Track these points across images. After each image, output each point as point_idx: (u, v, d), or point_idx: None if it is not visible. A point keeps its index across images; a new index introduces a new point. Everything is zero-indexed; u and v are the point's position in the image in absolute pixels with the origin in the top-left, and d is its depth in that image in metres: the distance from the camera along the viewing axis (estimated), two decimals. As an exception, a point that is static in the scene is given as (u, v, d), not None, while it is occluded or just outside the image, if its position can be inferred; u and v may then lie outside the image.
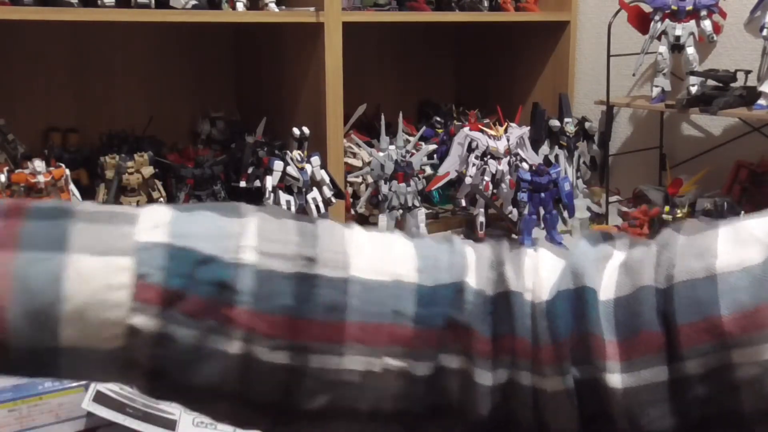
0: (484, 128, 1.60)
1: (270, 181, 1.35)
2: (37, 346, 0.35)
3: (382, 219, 1.40)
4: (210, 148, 1.61)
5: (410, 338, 0.38)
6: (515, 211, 1.54)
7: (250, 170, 1.48)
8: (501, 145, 1.55)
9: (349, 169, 1.57)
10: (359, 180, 1.58)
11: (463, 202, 1.62)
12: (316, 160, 1.40)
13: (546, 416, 0.39)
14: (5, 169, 1.22)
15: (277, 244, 0.38)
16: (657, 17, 1.58)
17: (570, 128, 1.75)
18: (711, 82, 1.53)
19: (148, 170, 1.33)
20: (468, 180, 1.55)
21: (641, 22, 1.62)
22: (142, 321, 0.35)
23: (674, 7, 1.55)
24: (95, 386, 0.74)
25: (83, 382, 0.77)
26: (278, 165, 1.36)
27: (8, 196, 1.20)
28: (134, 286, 0.35)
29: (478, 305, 0.39)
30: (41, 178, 1.20)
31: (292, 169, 1.37)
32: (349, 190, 1.58)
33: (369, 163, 1.50)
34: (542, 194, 1.47)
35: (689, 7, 1.54)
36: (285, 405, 0.38)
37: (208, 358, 0.36)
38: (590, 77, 1.91)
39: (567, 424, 0.39)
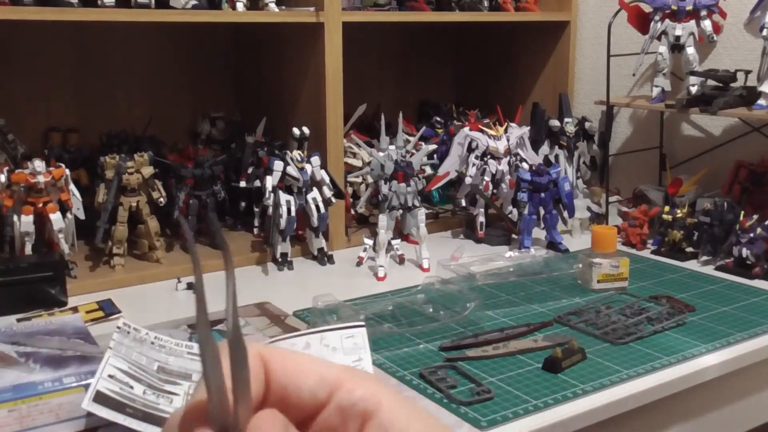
0: (484, 128, 1.60)
1: (270, 181, 1.35)
2: None
3: (382, 219, 1.40)
4: (210, 148, 1.61)
5: None
6: (515, 211, 1.54)
7: (250, 170, 1.48)
8: (501, 145, 1.55)
9: (349, 169, 1.57)
10: (359, 180, 1.58)
11: (463, 202, 1.62)
12: (316, 160, 1.40)
13: None
14: (5, 169, 1.22)
15: None
16: (657, 17, 1.58)
17: (570, 128, 1.75)
18: (711, 82, 1.53)
19: (148, 170, 1.33)
20: (468, 180, 1.55)
21: (641, 22, 1.62)
22: None
23: (674, 7, 1.55)
24: (95, 386, 0.74)
25: (83, 382, 0.77)
26: (278, 165, 1.36)
27: (8, 196, 1.20)
28: None
29: None
30: (41, 178, 1.20)
31: (292, 169, 1.37)
32: (349, 190, 1.58)
33: (369, 163, 1.50)
34: (542, 194, 1.47)
35: (689, 7, 1.54)
36: None
37: None
38: (590, 77, 1.91)
39: None
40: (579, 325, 1.08)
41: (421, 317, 1.11)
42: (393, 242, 1.43)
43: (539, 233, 1.51)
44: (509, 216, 1.55)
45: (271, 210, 1.35)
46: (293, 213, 1.37)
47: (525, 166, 1.54)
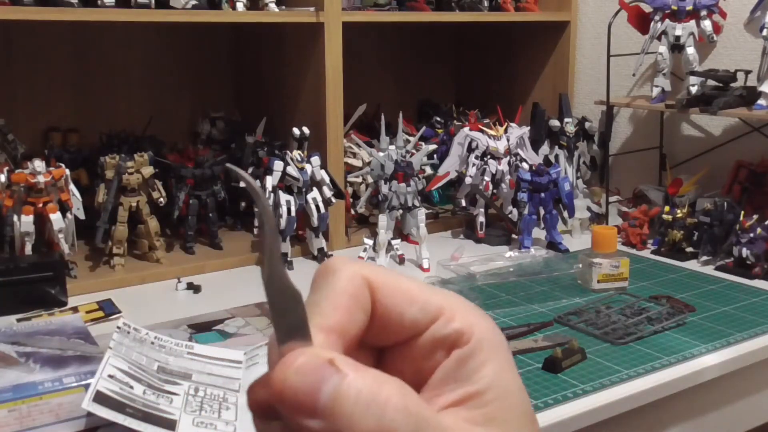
0: (484, 128, 1.60)
1: (270, 181, 1.35)
2: None
3: (382, 219, 1.40)
4: (210, 148, 1.61)
5: None
6: (515, 211, 1.54)
7: (250, 170, 1.48)
8: (501, 145, 1.55)
9: (349, 169, 1.57)
10: (359, 180, 1.58)
11: (463, 202, 1.62)
12: (316, 160, 1.40)
13: None
14: (5, 169, 1.22)
15: None
16: (657, 17, 1.58)
17: (570, 128, 1.75)
18: (711, 82, 1.53)
19: (148, 170, 1.33)
20: (468, 180, 1.55)
21: (641, 22, 1.62)
22: None
23: (674, 7, 1.55)
24: (95, 386, 0.74)
25: (83, 382, 0.77)
26: (278, 165, 1.36)
27: (8, 196, 1.20)
28: None
29: None
30: (41, 178, 1.20)
31: (292, 169, 1.37)
32: (349, 190, 1.58)
33: (369, 163, 1.50)
34: (542, 194, 1.47)
35: (689, 7, 1.54)
36: None
37: None
38: (590, 77, 1.91)
39: None
40: (579, 325, 1.08)
41: (421, 317, 1.10)
42: (393, 242, 1.43)
43: (539, 233, 1.51)
44: (509, 216, 1.55)
45: (270, 210, 1.35)
46: (293, 213, 1.37)
47: (525, 166, 1.54)
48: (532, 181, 1.47)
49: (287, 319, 0.27)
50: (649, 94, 1.64)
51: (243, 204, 1.58)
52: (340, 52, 1.45)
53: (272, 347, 0.28)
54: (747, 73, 1.51)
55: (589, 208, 1.64)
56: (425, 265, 1.37)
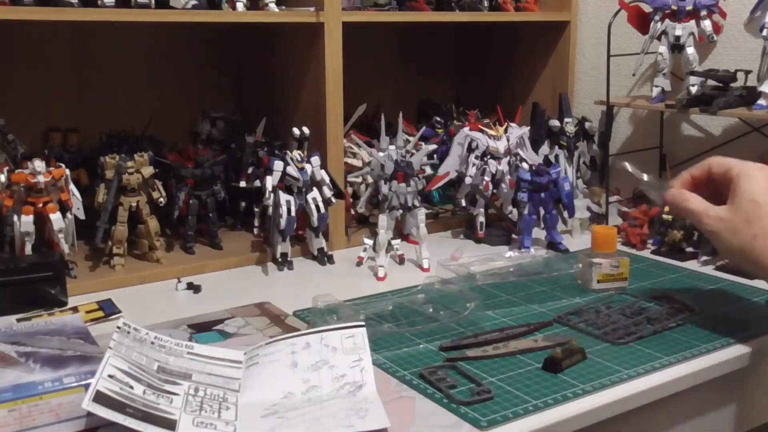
0: (484, 128, 1.60)
1: (270, 181, 1.35)
2: None
3: (382, 219, 1.40)
4: (210, 148, 1.61)
5: None
6: (515, 211, 1.54)
7: (250, 170, 1.48)
8: (501, 145, 1.55)
9: (349, 169, 1.57)
10: (359, 180, 1.58)
11: (463, 202, 1.62)
12: (316, 160, 1.40)
13: None
14: (5, 169, 1.22)
15: None
16: (657, 17, 1.58)
17: (570, 128, 1.75)
18: (711, 82, 1.53)
19: (148, 170, 1.33)
20: (468, 180, 1.55)
21: (641, 22, 1.62)
22: None
23: (674, 7, 1.55)
24: (95, 386, 0.74)
25: (83, 382, 0.77)
26: (278, 165, 1.36)
27: (8, 196, 1.20)
28: None
29: None
30: (41, 178, 1.20)
31: (292, 169, 1.37)
32: (349, 190, 1.58)
33: (369, 163, 1.50)
34: (542, 194, 1.47)
35: (689, 7, 1.54)
36: None
37: None
38: (590, 77, 1.91)
39: None
40: (579, 325, 1.08)
41: (421, 317, 1.11)
42: (393, 242, 1.43)
43: (539, 233, 1.51)
44: (509, 216, 1.55)
45: (271, 210, 1.35)
46: (293, 213, 1.37)
47: (525, 166, 1.54)
48: (532, 181, 1.47)
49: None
50: (649, 94, 1.64)
51: (243, 204, 1.58)
52: (340, 52, 1.45)
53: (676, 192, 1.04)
54: (747, 73, 1.51)
55: (589, 208, 1.64)
56: (425, 265, 1.37)
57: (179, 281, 1.28)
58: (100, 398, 0.72)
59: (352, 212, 1.57)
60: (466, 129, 1.60)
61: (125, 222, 1.33)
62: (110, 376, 0.76)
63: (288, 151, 1.39)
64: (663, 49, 1.58)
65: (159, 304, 1.21)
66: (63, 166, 1.25)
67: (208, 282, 1.29)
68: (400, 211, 1.47)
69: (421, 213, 1.43)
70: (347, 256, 1.44)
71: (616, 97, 1.70)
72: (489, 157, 1.56)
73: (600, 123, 1.84)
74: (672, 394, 0.95)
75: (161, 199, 1.35)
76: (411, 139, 1.58)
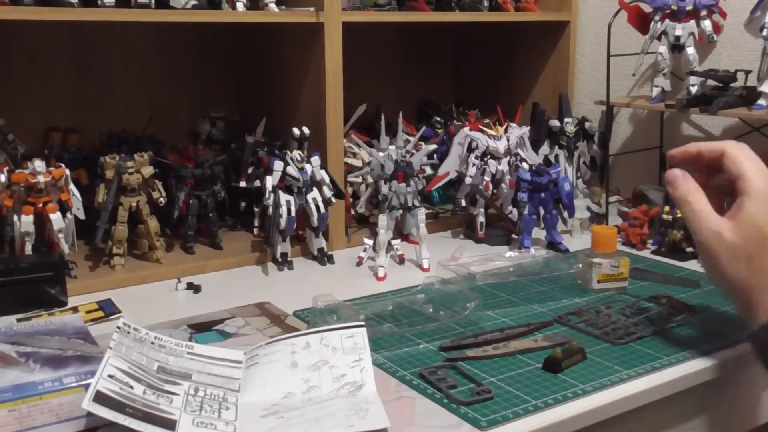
0: (484, 128, 1.60)
1: (270, 181, 1.35)
2: None
3: (382, 219, 1.40)
4: (210, 148, 1.61)
5: None
6: (515, 211, 1.54)
7: (250, 170, 1.48)
8: (501, 145, 1.55)
9: (349, 169, 1.57)
10: (359, 180, 1.58)
11: (463, 202, 1.62)
12: (316, 160, 1.40)
13: None
14: (5, 169, 1.22)
15: None
16: (657, 17, 1.58)
17: (570, 128, 1.75)
18: (711, 82, 1.53)
19: (148, 170, 1.33)
20: (468, 180, 1.55)
21: (641, 22, 1.62)
22: None
23: (674, 7, 1.55)
24: (95, 386, 0.74)
25: (83, 382, 0.77)
26: (278, 165, 1.36)
27: (8, 196, 1.20)
28: None
29: None
30: (41, 178, 1.20)
31: (292, 169, 1.37)
32: (349, 190, 1.58)
33: (369, 163, 1.50)
34: (542, 194, 1.47)
35: (689, 7, 1.54)
36: None
37: None
38: (590, 77, 1.91)
39: None
40: (579, 325, 1.08)
41: (421, 317, 1.11)
42: (393, 242, 1.43)
43: (539, 233, 1.51)
44: (509, 216, 1.55)
45: (271, 210, 1.35)
46: (293, 213, 1.37)
47: (525, 166, 1.54)
48: (532, 181, 1.47)
49: None
50: (649, 94, 1.64)
51: (243, 204, 1.58)
52: (340, 52, 1.45)
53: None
54: (747, 73, 1.51)
55: (589, 208, 1.64)
56: (425, 265, 1.37)
57: (179, 281, 1.28)
58: (100, 398, 0.72)
59: (352, 212, 1.57)
60: (466, 129, 1.60)
61: (125, 222, 1.33)
62: (110, 376, 0.76)
63: (288, 151, 1.39)
64: (663, 49, 1.58)
65: (159, 304, 1.21)
66: (63, 166, 1.25)
67: (208, 282, 1.29)
68: (400, 211, 1.47)
69: (421, 213, 1.43)
70: (347, 256, 1.44)
71: (616, 97, 1.70)
72: (489, 157, 1.56)
73: (600, 123, 1.84)
74: (672, 394, 0.95)
75: (161, 199, 1.35)
76: (411, 139, 1.58)
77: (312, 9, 1.42)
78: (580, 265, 1.27)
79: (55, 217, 1.20)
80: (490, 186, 1.55)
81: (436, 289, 1.19)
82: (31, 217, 1.19)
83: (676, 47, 1.58)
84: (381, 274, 1.33)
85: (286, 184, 1.38)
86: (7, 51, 1.57)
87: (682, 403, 0.99)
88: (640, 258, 1.42)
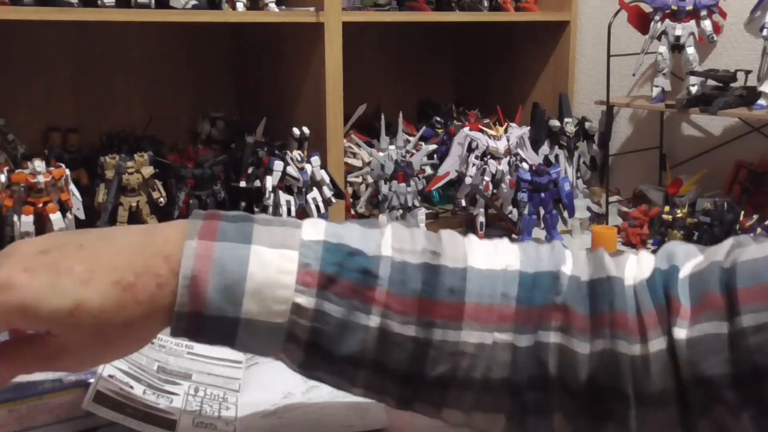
0: (484, 128, 1.60)
1: (270, 181, 1.35)
2: (224, 316, 0.45)
3: (382, 219, 1.40)
4: (210, 148, 1.61)
5: (514, 316, 0.47)
6: (515, 211, 1.54)
7: (250, 170, 1.48)
8: (501, 145, 1.55)
9: (349, 169, 1.57)
10: (359, 180, 1.58)
11: (463, 202, 1.62)
12: (316, 160, 1.40)
13: (646, 379, 0.45)
14: (5, 169, 1.22)
15: (408, 243, 0.49)
16: (657, 17, 1.58)
17: (570, 128, 1.75)
18: (711, 82, 1.53)
19: (148, 170, 1.33)
20: (468, 180, 1.55)
21: (641, 22, 1.62)
22: (304, 300, 0.45)
23: (674, 7, 1.55)
24: (95, 386, 0.74)
25: (83, 382, 0.77)
26: (278, 165, 1.36)
27: (8, 196, 1.20)
28: (298, 272, 0.46)
29: (573, 288, 0.48)
30: (41, 178, 1.20)
31: (292, 169, 1.37)
32: (349, 190, 1.58)
33: (369, 163, 1.50)
34: (542, 194, 1.47)
35: (689, 7, 1.54)
36: (413, 372, 0.47)
37: (352, 331, 0.46)
38: (590, 77, 1.91)
39: (666, 383, 0.45)
40: (579, 325, 1.08)
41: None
42: (393, 242, 1.42)
43: (539, 233, 1.51)
44: (509, 216, 1.55)
45: (271, 210, 1.35)
46: (293, 213, 1.37)
47: (525, 166, 1.54)
48: (532, 181, 1.47)
49: None
50: (649, 94, 1.64)
51: (243, 204, 1.58)
52: (340, 52, 1.45)
53: None
54: (747, 73, 1.51)
55: (589, 208, 1.64)
56: (425, 265, 1.37)
57: (179, 281, 1.28)
58: (100, 398, 0.72)
59: (352, 212, 1.57)
60: (466, 129, 1.60)
61: (125, 222, 1.32)
62: (110, 376, 0.77)
63: (288, 151, 1.39)
64: (663, 49, 1.58)
65: (159, 304, 1.20)
66: (63, 166, 1.25)
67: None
68: (400, 211, 1.47)
69: (421, 213, 1.43)
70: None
71: (616, 97, 1.70)
72: (489, 157, 1.55)
73: (600, 123, 1.84)
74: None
75: (161, 199, 1.35)
76: (411, 139, 1.58)
77: (312, 9, 1.42)
78: (580, 265, 1.27)
79: (55, 217, 1.20)
80: (490, 186, 1.55)
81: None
82: (31, 217, 1.19)
83: (676, 47, 1.57)
84: (381, 274, 1.32)
85: (286, 184, 1.38)
86: (7, 51, 1.57)
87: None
88: (640, 258, 1.42)
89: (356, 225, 0.49)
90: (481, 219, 1.56)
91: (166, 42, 1.73)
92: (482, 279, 0.48)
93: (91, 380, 0.77)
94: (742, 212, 1.36)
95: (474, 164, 1.55)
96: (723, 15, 1.60)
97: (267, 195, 1.35)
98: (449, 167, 1.59)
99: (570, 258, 0.50)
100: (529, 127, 1.67)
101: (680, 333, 0.45)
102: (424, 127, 1.72)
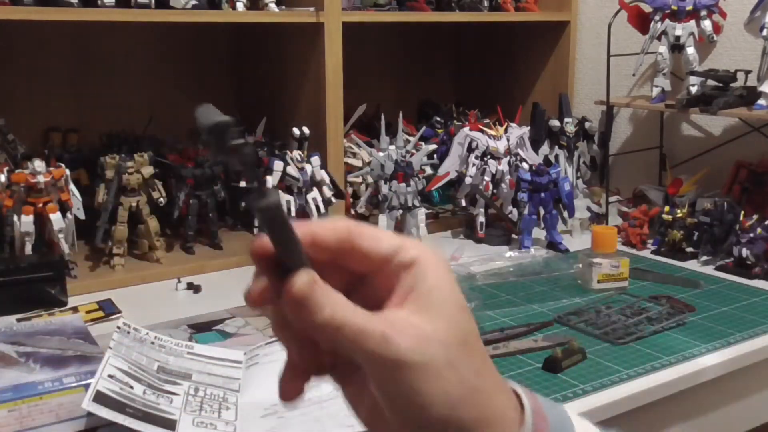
0: (484, 128, 1.60)
1: (270, 181, 1.35)
2: None
3: (382, 219, 1.40)
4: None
5: None
6: (515, 211, 1.54)
7: (250, 170, 1.48)
8: (501, 145, 1.55)
9: (349, 169, 1.57)
10: (359, 180, 1.58)
11: (463, 202, 1.62)
12: (316, 160, 1.40)
13: None
14: (5, 169, 1.22)
15: None
16: (657, 17, 1.58)
17: (570, 128, 1.75)
18: (711, 82, 1.53)
19: (148, 170, 1.33)
20: (468, 180, 1.55)
21: (641, 22, 1.62)
22: None
23: (674, 7, 1.55)
24: (95, 386, 0.74)
25: (83, 382, 0.77)
26: (278, 165, 1.36)
27: (8, 196, 1.20)
28: None
29: None
30: (41, 178, 1.20)
31: (292, 169, 1.37)
32: (349, 190, 1.58)
33: (369, 163, 1.50)
34: (542, 194, 1.47)
35: (689, 7, 1.54)
36: None
37: None
38: (590, 77, 1.91)
39: None
40: (579, 325, 1.08)
41: (421, 317, 1.10)
42: (393, 242, 1.42)
43: (539, 233, 1.51)
44: (509, 216, 1.55)
45: (271, 210, 1.35)
46: (293, 213, 1.37)
47: (525, 166, 1.54)
48: (532, 181, 1.47)
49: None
50: (649, 94, 1.64)
51: (243, 204, 1.58)
52: (340, 52, 1.45)
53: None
54: (747, 73, 1.51)
55: (589, 208, 1.64)
56: (425, 265, 1.37)
57: (179, 281, 1.28)
58: (100, 398, 0.72)
59: (352, 212, 1.57)
60: (466, 129, 1.60)
61: (125, 222, 1.32)
62: (110, 376, 0.76)
63: (288, 151, 1.39)
64: (663, 49, 1.58)
65: (159, 304, 1.20)
66: (63, 166, 1.25)
67: (208, 282, 1.29)
68: (400, 211, 1.47)
69: (421, 213, 1.43)
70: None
71: (616, 97, 1.70)
72: (489, 157, 1.55)
73: (600, 123, 1.84)
74: (672, 394, 0.95)
75: (161, 199, 1.35)
76: (411, 139, 1.58)
77: (312, 9, 1.42)
78: (580, 265, 1.27)
79: (55, 217, 1.20)
80: (490, 186, 1.55)
81: (436, 289, 1.18)
82: (31, 217, 1.19)
83: (676, 47, 1.57)
84: (381, 274, 1.32)
85: (286, 184, 1.38)
86: (7, 51, 1.57)
87: (682, 403, 0.99)
88: (640, 258, 1.42)
89: None
90: (481, 219, 1.56)
91: (166, 42, 1.73)
92: None
93: (91, 380, 0.77)
94: (742, 212, 1.36)
95: (474, 164, 1.55)
96: (723, 15, 1.60)
97: (267, 195, 1.35)
98: (449, 167, 1.59)
99: None
100: (529, 127, 1.67)
101: None
102: (424, 127, 1.72)
